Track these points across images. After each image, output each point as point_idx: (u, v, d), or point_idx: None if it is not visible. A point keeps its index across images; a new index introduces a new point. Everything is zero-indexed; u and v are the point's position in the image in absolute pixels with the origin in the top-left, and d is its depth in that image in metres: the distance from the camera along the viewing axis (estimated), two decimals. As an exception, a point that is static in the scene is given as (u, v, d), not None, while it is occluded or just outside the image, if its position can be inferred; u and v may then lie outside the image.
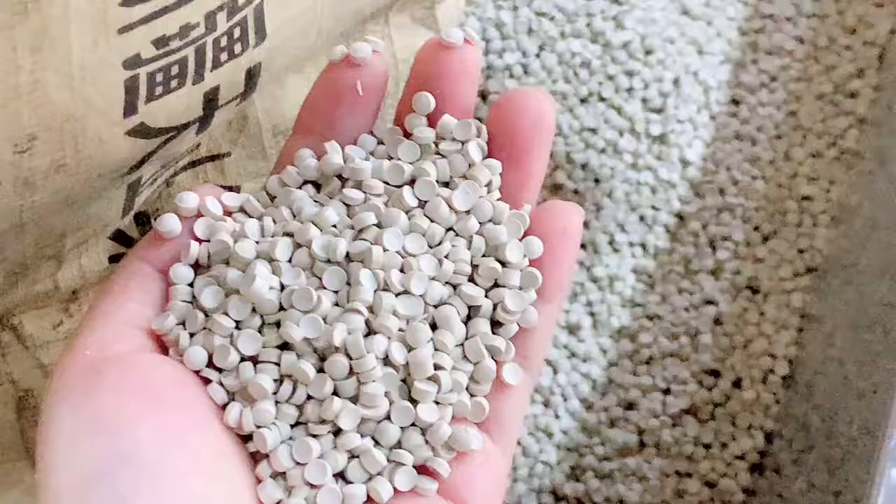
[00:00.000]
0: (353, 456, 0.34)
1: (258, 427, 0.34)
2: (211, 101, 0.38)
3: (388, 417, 0.35)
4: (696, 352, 0.61)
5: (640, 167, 0.63)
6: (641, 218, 0.64)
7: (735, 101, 0.67)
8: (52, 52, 0.32)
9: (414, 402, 0.35)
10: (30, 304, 0.43)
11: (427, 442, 0.35)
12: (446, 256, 0.36)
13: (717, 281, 0.62)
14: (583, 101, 0.64)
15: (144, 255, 0.36)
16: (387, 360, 0.35)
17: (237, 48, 0.37)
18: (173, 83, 0.36)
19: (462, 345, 0.36)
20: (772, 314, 0.61)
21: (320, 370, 0.35)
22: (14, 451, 0.45)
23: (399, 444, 0.35)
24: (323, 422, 0.34)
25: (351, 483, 0.34)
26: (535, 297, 0.36)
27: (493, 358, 0.36)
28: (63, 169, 0.35)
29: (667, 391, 0.61)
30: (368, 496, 0.34)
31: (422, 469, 0.35)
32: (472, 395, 0.36)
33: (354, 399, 0.34)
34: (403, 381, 0.35)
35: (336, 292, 0.35)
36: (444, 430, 0.34)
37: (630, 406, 0.61)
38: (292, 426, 0.35)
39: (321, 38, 0.42)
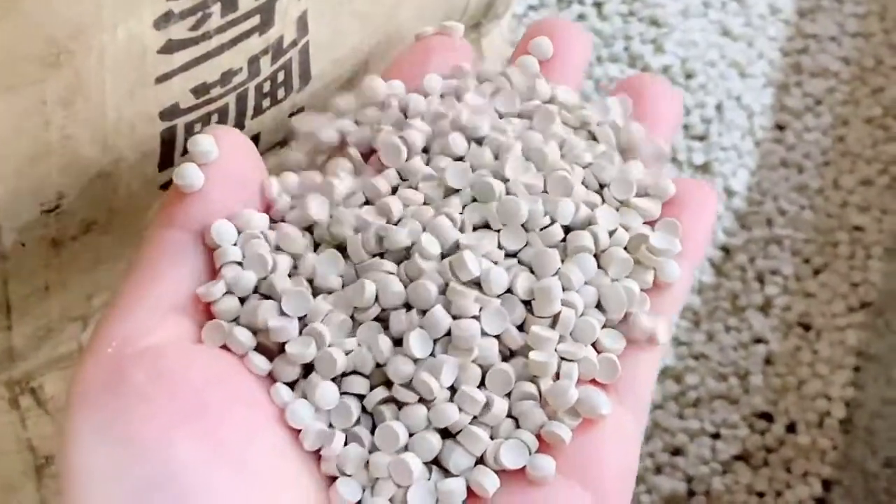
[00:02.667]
0: (447, 433, 0.28)
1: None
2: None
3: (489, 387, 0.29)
4: (747, 393, 0.58)
5: (682, 198, 0.61)
6: (684, 251, 0.61)
7: (780, 127, 0.64)
8: (85, 106, 0.30)
9: (525, 350, 0.29)
10: (51, 366, 0.40)
11: (542, 406, 0.28)
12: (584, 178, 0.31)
13: (767, 318, 0.60)
14: (621, 128, 0.61)
15: (169, 219, 0.30)
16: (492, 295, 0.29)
17: (280, 93, 0.35)
18: (212, 133, 0.33)
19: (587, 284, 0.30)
20: (826, 353, 0.59)
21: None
22: (35, 524, 0.43)
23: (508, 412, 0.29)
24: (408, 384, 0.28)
25: (447, 472, 0.28)
26: (679, 248, 0.31)
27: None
28: (93, 227, 0.33)
29: (716, 436, 0.58)
30: (469, 489, 0.28)
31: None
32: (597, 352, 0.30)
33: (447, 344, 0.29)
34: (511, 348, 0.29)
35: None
36: (571, 394, 0.28)
37: (677, 452, 0.59)
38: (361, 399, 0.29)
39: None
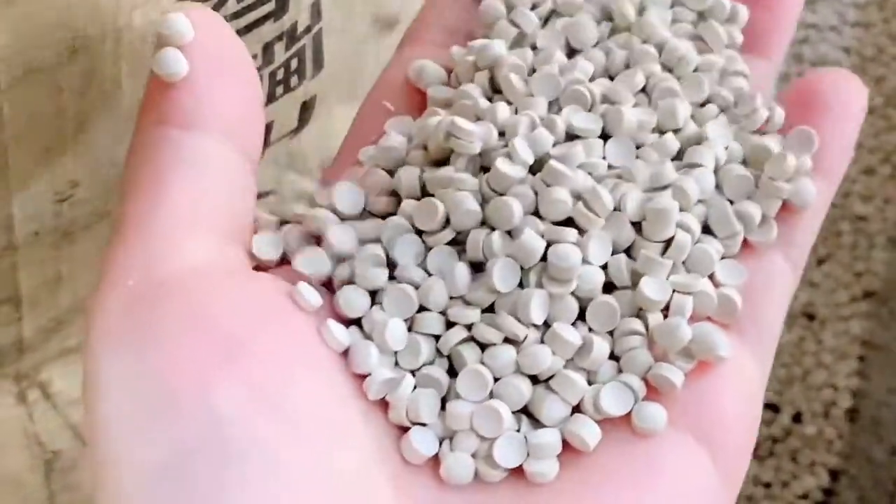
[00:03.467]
0: (535, 378, 0.24)
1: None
2: (265, 139, 0.35)
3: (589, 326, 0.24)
4: (752, 384, 0.58)
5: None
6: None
7: (781, 117, 0.64)
8: (101, 95, 0.29)
9: (632, 280, 0.25)
10: (60, 358, 0.40)
11: (650, 346, 0.24)
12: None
13: (771, 308, 0.60)
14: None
15: (159, 116, 0.25)
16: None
17: (293, 81, 0.35)
18: (226, 121, 0.33)
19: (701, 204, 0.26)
20: (830, 343, 0.59)
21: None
22: (45, 520, 0.42)
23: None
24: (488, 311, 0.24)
25: (537, 423, 0.24)
26: (808, 164, 0.26)
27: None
28: (105, 217, 0.32)
29: (722, 426, 0.58)
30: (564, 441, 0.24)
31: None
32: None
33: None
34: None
35: None
36: (684, 331, 0.24)
37: (682, 442, 0.58)
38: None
39: (379, 65, 0.39)
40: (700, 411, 0.24)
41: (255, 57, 0.32)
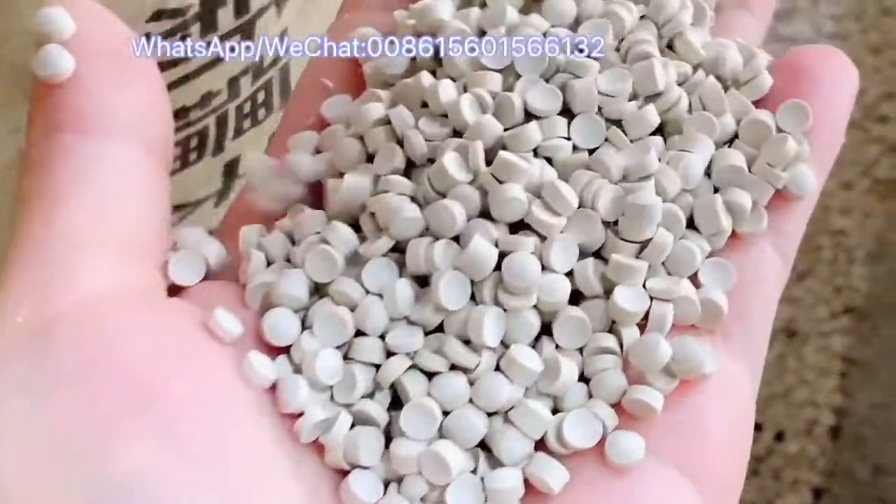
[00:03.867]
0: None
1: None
2: (231, 172, 0.34)
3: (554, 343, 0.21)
4: (733, 402, 0.58)
5: (663, 205, 0.61)
6: (666, 258, 0.61)
7: (759, 131, 0.64)
8: None
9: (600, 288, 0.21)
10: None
11: (621, 368, 0.21)
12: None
13: (751, 324, 0.60)
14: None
15: (49, 122, 0.21)
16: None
17: (261, 114, 0.34)
18: (192, 156, 0.33)
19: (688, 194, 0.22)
20: (811, 360, 0.58)
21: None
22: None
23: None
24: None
25: (496, 461, 0.21)
26: (808, 150, 0.23)
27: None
28: None
29: (704, 445, 0.58)
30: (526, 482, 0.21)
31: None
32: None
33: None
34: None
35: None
36: (663, 349, 0.21)
37: (665, 462, 0.58)
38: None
39: (349, 95, 0.38)
40: (682, 436, 0.21)
41: (219, 92, 0.31)
